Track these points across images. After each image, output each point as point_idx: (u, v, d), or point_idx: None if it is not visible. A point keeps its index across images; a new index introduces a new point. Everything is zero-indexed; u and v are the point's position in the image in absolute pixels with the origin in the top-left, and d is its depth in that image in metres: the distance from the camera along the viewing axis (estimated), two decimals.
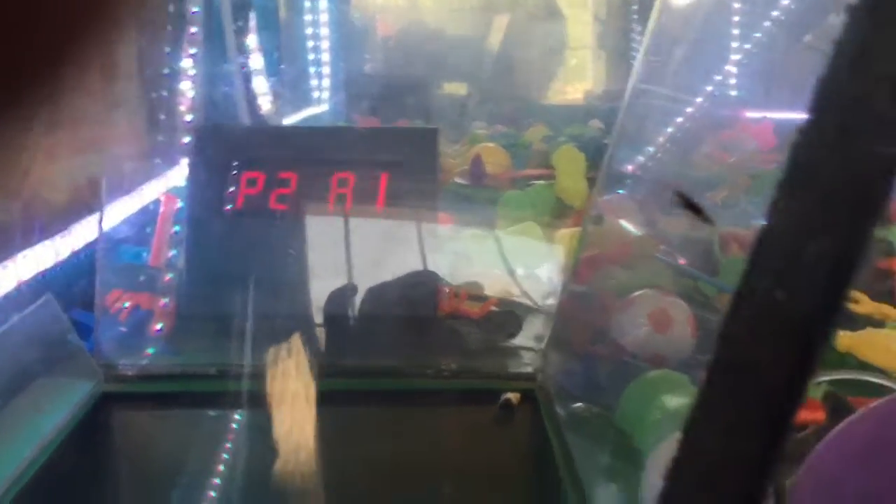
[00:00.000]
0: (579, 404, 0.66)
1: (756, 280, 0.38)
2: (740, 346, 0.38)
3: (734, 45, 1.54)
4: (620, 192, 1.04)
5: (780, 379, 0.34)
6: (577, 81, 2.28)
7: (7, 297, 0.67)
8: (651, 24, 0.77)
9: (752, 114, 1.54)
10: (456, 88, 1.98)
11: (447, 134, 1.64)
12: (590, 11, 2.61)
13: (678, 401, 0.58)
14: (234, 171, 0.76)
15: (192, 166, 0.79)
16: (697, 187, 1.22)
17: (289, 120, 1.51)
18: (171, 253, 0.88)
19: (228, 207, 0.76)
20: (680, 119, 1.29)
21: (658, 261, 0.93)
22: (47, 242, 0.74)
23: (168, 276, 0.87)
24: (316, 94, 1.79)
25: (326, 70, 1.82)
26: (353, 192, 0.75)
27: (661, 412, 0.57)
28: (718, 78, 1.45)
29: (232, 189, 0.76)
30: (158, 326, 0.80)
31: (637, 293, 0.75)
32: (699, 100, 1.33)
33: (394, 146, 0.76)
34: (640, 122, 1.05)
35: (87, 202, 0.93)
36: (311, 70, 1.78)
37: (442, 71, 1.89)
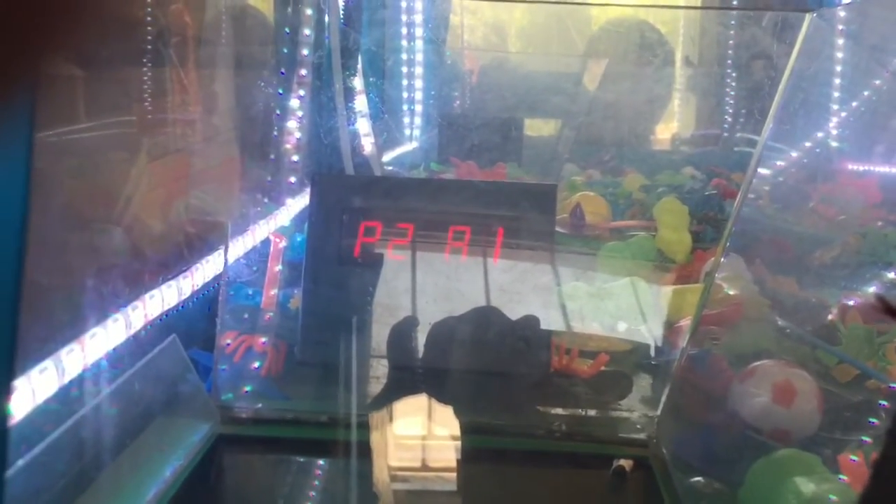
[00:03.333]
0: (699, 478, 0.64)
1: None
2: None
3: (836, 94, 1.51)
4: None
5: None
6: (663, 123, 2.26)
7: (136, 337, 0.69)
8: (782, 85, 0.76)
9: (854, 166, 1.50)
10: (543, 128, 1.98)
11: (540, 177, 1.64)
12: (679, 54, 2.58)
13: (813, 486, 0.55)
14: (353, 220, 0.77)
15: (310, 214, 0.80)
16: (806, 245, 1.18)
17: (386, 157, 1.53)
18: (273, 292, 0.90)
19: (344, 255, 0.77)
20: (783, 171, 1.26)
21: (770, 324, 0.90)
22: (172, 283, 0.76)
23: (269, 315, 0.88)
24: (408, 132, 1.82)
25: (419, 108, 1.84)
26: (469, 244, 0.75)
27: (797, 498, 0.54)
28: (821, 130, 1.42)
29: (350, 237, 0.77)
30: (270, 369, 0.81)
31: (759, 363, 0.72)
32: (800, 152, 1.30)
33: (512, 201, 0.76)
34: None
35: (192, 235, 0.95)
36: (405, 108, 1.81)
37: (532, 111, 1.90)
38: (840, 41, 0.96)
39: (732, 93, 2.12)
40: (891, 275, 1.06)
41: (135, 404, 0.66)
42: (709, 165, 1.76)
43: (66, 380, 0.58)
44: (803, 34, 0.73)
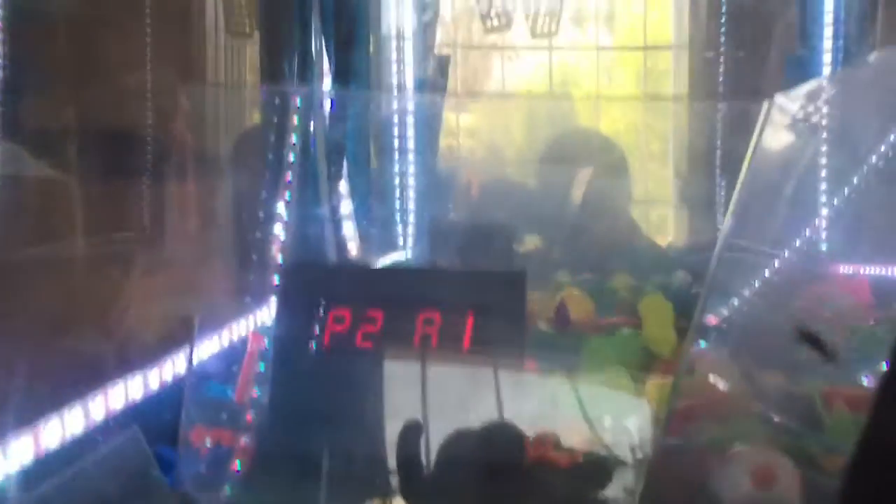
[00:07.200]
0: None
1: None
2: None
3: (824, 199, 1.52)
4: (710, 344, 1.01)
5: None
6: (657, 236, 2.28)
7: (96, 429, 0.68)
8: (742, 177, 0.77)
9: (845, 269, 1.49)
10: (538, 241, 1.99)
11: (531, 283, 1.64)
12: (670, 167, 2.64)
13: None
14: (321, 309, 0.76)
15: (279, 303, 0.80)
16: (794, 341, 1.17)
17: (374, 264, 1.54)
18: (256, 392, 0.89)
19: (314, 345, 0.77)
20: (771, 272, 1.26)
21: (756, 417, 0.88)
22: (138, 376, 0.75)
23: (249, 415, 0.87)
24: (400, 240, 1.83)
25: (412, 217, 1.86)
26: (439, 332, 0.75)
27: None
28: (808, 231, 1.43)
29: (318, 327, 0.76)
30: (238, 465, 0.79)
31: (738, 448, 0.70)
32: (790, 252, 1.31)
33: (481, 288, 0.76)
34: (730, 274, 1.03)
35: (177, 341, 0.95)
36: (397, 215, 1.83)
37: (525, 222, 1.91)
38: (801, 128, 0.98)
39: (722, 200, 2.15)
40: (877, 368, 1.05)
41: (90, 499, 0.63)
42: (699, 269, 1.76)
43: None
44: (761, 122, 0.74)
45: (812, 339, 0.56)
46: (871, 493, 0.31)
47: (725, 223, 0.84)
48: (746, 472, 0.67)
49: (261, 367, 0.91)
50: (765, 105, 0.74)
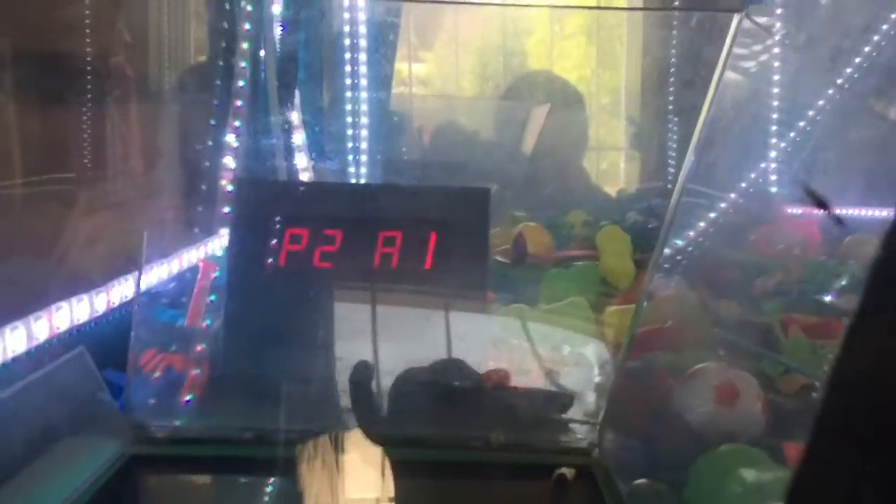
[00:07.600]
0: (642, 480, 0.61)
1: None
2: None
3: (774, 141, 1.53)
4: (669, 275, 1.01)
5: None
6: (608, 185, 2.27)
7: (39, 349, 0.64)
8: (699, 124, 0.76)
9: (794, 210, 1.51)
10: (491, 177, 1.96)
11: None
12: (622, 113, 2.62)
13: (759, 475, 0.52)
14: (278, 227, 0.73)
15: (234, 220, 0.76)
16: (749, 273, 1.18)
17: None
18: (206, 323, 0.85)
19: (270, 263, 0.73)
20: (726, 210, 1.26)
21: (715, 343, 0.89)
22: (84, 297, 0.71)
23: (200, 346, 0.83)
24: (353, 174, 1.79)
25: (364, 158, 1.81)
26: (400, 250, 0.72)
27: (742, 486, 0.51)
28: (756, 174, 1.43)
29: (274, 245, 0.73)
30: (190, 395, 0.76)
31: (700, 366, 0.70)
32: (743, 195, 1.31)
33: (444, 205, 0.74)
34: (689, 211, 1.03)
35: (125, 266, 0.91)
36: (350, 146, 1.78)
37: (478, 158, 1.88)
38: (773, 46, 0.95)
39: (675, 145, 2.15)
40: (829, 298, 1.06)
41: (35, 419, 0.60)
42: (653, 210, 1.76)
43: None
44: (731, 36, 0.72)
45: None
46: (843, 415, 0.31)
47: (687, 158, 0.83)
48: (709, 390, 0.66)
49: (212, 297, 0.88)
50: (735, 18, 0.71)
